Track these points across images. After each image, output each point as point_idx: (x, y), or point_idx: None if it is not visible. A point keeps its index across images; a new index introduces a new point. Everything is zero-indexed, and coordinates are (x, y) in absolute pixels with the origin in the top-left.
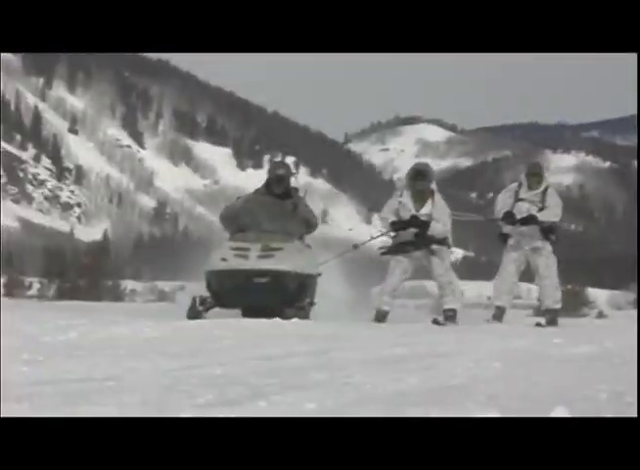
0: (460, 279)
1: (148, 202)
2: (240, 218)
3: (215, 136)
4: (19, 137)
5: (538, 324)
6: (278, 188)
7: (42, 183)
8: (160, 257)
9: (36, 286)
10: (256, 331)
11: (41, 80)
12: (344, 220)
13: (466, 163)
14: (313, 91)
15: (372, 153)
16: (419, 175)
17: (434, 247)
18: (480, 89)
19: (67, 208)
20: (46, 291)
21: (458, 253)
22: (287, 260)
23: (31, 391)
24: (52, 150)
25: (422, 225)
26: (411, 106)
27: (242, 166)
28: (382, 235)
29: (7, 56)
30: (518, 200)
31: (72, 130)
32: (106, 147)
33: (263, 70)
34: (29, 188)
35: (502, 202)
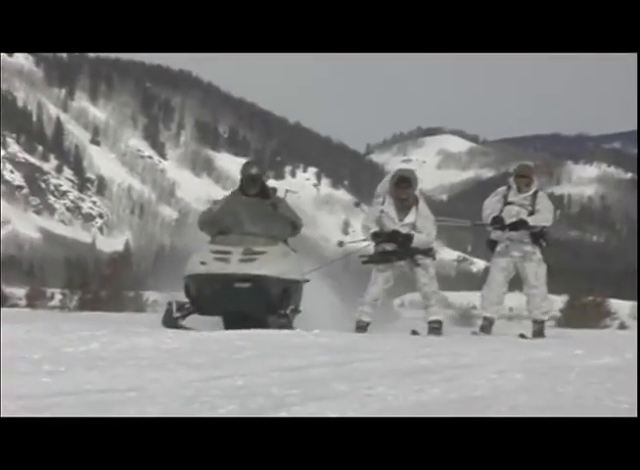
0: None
1: (170, 213)
2: (221, 221)
3: (237, 147)
4: (41, 148)
5: (522, 335)
6: (252, 188)
7: (64, 194)
8: (181, 268)
9: (58, 297)
10: (278, 342)
11: (63, 91)
12: None
13: (488, 174)
14: (335, 102)
15: (394, 164)
16: (403, 182)
17: (419, 257)
18: (502, 100)
19: (88, 218)
20: (68, 302)
21: (479, 264)
22: (270, 265)
23: (53, 402)
24: (74, 161)
25: (404, 240)
26: (433, 117)
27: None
28: (364, 242)
29: (29, 66)
30: (507, 203)
31: (94, 141)
32: (127, 158)
33: (285, 82)
34: (51, 199)
35: (490, 206)
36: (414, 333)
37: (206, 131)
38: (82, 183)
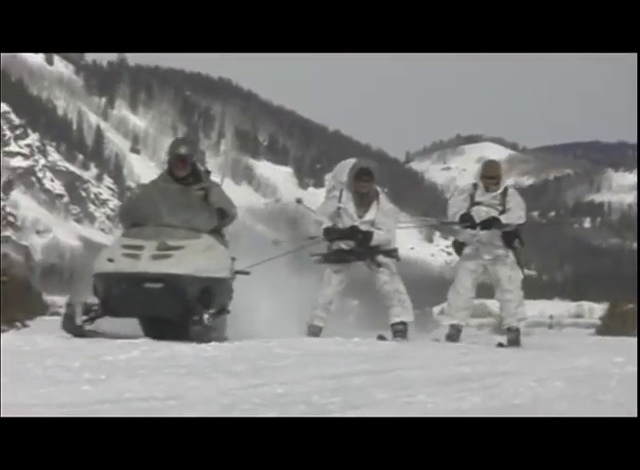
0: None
1: None
2: (137, 210)
3: (277, 155)
4: (81, 157)
5: (500, 344)
6: (180, 171)
7: (104, 203)
8: None
9: None
10: (318, 350)
11: (103, 100)
12: (406, 239)
13: (527, 181)
14: (374, 110)
15: (433, 172)
16: (364, 175)
17: (380, 258)
18: (541, 107)
19: None
20: None
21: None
22: (186, 262)
23: (93, 409)
24: (114, 169)
25: (363, 238)
26: (472, 124)
27: (303, 185)
28: (314, 241)
29: (69, 75)
30: (474, 204)
31: (134, 150)
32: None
33: (324, 90)
34: (91, 207)
35: (456, 205)
36: (380, 338)
37: (246, 139)
38: (122, 192)
